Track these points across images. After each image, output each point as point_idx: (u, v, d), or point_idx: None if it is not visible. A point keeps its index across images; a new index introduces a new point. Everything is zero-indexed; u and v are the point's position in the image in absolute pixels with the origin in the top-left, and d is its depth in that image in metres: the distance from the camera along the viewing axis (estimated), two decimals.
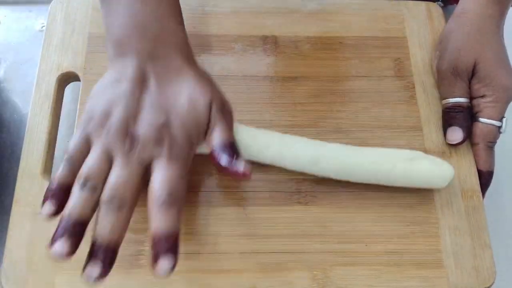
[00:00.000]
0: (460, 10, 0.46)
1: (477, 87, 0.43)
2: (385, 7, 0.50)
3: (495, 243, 0.40)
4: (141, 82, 0.37)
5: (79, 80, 0.44)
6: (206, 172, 0.41)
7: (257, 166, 0.41)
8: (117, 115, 0.35)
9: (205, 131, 0.38)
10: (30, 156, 0.41)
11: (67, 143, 0.46)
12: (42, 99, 0.43)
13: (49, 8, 0.47)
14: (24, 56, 0.51)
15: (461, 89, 0.44)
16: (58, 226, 0.32)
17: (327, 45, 0.47)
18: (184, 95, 0.37)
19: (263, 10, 0.49)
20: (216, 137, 0.37)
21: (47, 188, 0.34)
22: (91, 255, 0.32)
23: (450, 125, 0.43)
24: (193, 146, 0.37)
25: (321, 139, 0.42)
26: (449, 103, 0.44)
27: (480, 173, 0.43)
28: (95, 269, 0.32)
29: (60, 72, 0.44)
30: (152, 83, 0.37)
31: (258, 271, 0.38)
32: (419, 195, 0.41)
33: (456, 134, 0.43)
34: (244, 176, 0.36)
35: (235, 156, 0.37)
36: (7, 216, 0.39)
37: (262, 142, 0.40)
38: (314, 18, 0.49)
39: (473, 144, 0.43)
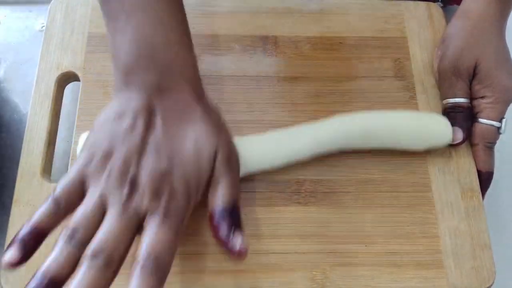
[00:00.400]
0: (462, 10, 0.46)
1: (477, 88, 0.43)
2: (385, 7, 0.50)
3: (494, 243, 0.40)
4: (146, 118, 0.34)
5: (79, 80, 0.44)
6: None
7: None
8: (119, 157, 0.33)
9: (205, 184, 0.35)
10: (30, 155, 0.41)
11: (67, 143, 0.46)
12: (41, 98, 0.43)
13: (49, 8, 0.47)
14: (24, 56, 0.51)
15: (461, 90, 0.44)
16: (31, 282, 0.29)
17: (327, 46, 0.47)
18: (190, 140, 0.34)
19: (263, 10, 0.49)
20: (218, 197, 0.34)
21: (17, 232, 0.30)
22: None
23: (451, 125, 0.43)
24: (191, 200, 0.34)
25: None
26: (450, 103, 0.44)
27: (479, 173, 0.43)
28: None
29: (60, 72, 0.44)
30: (158, 121, 0.34)
31: (258, 271, 0.38)
32: (419, 195, 0.41)
33: (456, 134, 0.43)
34: (238, 256, 0.33)
35: (233, 228, 0.34)
36: (7, 216, 0.39)
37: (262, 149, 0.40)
38: (314, 18, 0.49)
39: (472, 145, 0.43)
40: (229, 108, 0.43)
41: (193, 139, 0.34)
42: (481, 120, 0.43)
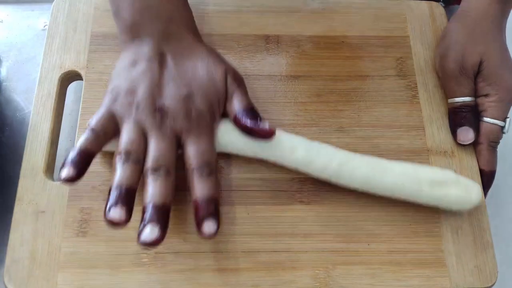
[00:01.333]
0: (462, 9, 0.46)
1: (481, 85, 0.43)
2: (388, 6, 0.50)
3: (497, 242, 0.40)
4: (159, 60, 0.39)
5: (82, 79, 0.44)
6: None
7: (259, 165, 0.41)
8: (143, 91, 0.37)
9: (224, 100, 0.40)
10: (33, 154, 0.41)
11: (70, 142, 0.46)
12: (44, 98, 0.43)
13: (52, 7, 0.47)
14: (27, 55, 0.51)
15: (468, 87, 0.43)
16: (110, 196, 0.34)
17: (330, 45, 0.47)
18: (201, 68, 0.39)
19: (266, 9, 0.49)
20: (237, 104, 0.39)
21: (67, 156, 0.35)
22: (146, 219, 0.34)
23: (461, 125, 0.43)
24: (215, 115, 0.39)
25: (323, 138, 0.42)
26: (457, 102, 0.44)
27: (482, 172, 0.43)
28: (154, 231, 0.33)
29: (62, 71, 0.44)
30: (169, 60, 0.39)
31: (261, 270, 0.38)
32: None
33: (468, 134, 0.42)
34: (270, 134, 0.38)
35: (258, 118, 0.39)
36: (10, 214, 0.39)
37: (287, 146, 0.39)
38: (316, 17, 0.49)
39: (476, 144, 0.43)
40: None
41: (205, 67, 0.40)
42: (485, 119, 0.43)
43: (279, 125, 0.42)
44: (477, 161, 0.43)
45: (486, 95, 0.43)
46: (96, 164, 0.41)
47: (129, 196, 0.34)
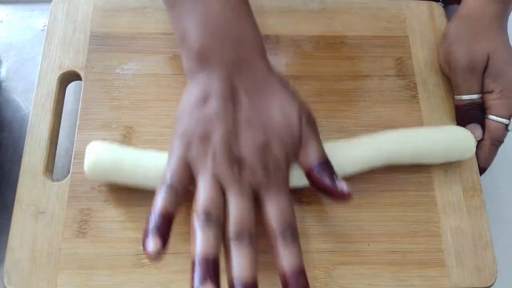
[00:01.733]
0: (464, 8, 0.46)
1: (486, 81, 0.43)
2: (387, 6, 0.50)
3: (496, 242, 0.40)
4: (231, 98, 0.35)
5: (81, 79, 0.44)
6: None
7: None
8: (218, 138, 0.34)
9: (298, 148, 0.36)
10: (32, 155, 0.41)
11: (69, 142, 0.46)
12: (44, 98, 0.43)
13: (51, 7, 0.47)
14: (26, 55, 0.51)
15: (477, 85, 0.43)
16: (197, 270, 0.30)
17: (329, 45, 0.47)
18: (277, 108, 0.36)
19: (265, 9, 0.49)
20: (312, 155, 0.36)
21: (149, 222, 0.31)
22: None
23: (469, 122, 0.43)
24: (290, 164, 0.36)
25: (323, 138, 0.42)
26: (466, 100, 0.43)
27: None
28: None
29: (61, 71, 0.44)
30: (243, 98, 0.35)
31: (261, 270, 0.38)
32: (421, 194, 0.41)
33: (476, 131, 0.42)
34: (348, 197, 0.35)
35: (335, 176, 0.35)
36: (9, 215, 0.39)
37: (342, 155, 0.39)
38: (316, 17, 0.49)
39: (479, 141, 0.43)
40: None
41: (279, 107, 0.36)
42: (490, 116, 0.43)
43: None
44: (476, 158, 0.43)
45: (490, 92, 0.43)
46: None
47: (216, 268, 0.31)
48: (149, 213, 0.32)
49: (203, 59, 0.36)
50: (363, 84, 0.46)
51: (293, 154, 0.36)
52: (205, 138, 0.34)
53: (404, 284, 0.38)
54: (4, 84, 0.50)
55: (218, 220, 0.32)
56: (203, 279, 0.30)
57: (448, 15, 0.49)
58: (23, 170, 0.41)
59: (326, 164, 0.36)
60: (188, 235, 0.39)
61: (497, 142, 0.43)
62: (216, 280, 0.30)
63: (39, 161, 0.41)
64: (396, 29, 0.49)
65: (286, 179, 0.35)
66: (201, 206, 0.32)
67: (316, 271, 0.38)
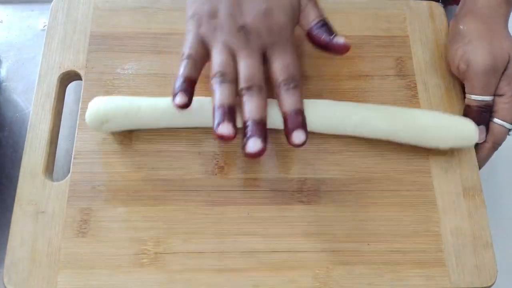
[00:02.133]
0: (472, 7, 0.45)
1: (501, 84, 0.43)
2: (387, 6, 0.50)
3: (496, 242, 0.40)
4: None
5: (81, 79, 0.44)
6: (208, 171, 0.41)
7: (259, 165, 0.41)
8: (224, 12, 0.39)
9: (299, 13, 0.41)
10: (32, 154, 0.41)
11: (69, 142, 0.46)
12: (43, 98, 0.43)
13: (51, 7, 0.47)
14: (26, 55, 0.51)
15: (494, 86, 0.43)
16: (215, 114, 0.37)
17: None
18: None
19: None
20: (311, 17, 0.41)
21: (175, 85, 0.37)
22: (248, 134, 0.37)
23: (478, 124, 0.42)
24: (294, 25, 0.41)
25: (323, 138, 0.42)
26: (479, 100, 0.43)
27: None
28: (257, 142, 0.36)
29: (61, 71, 0.44)
30: None
31: (261, 270, 0.38)
32: (421, 194, 0.41)
33: (482, 134, 0.43)
34: (346, 49, 0.39)
35: (333, 32, 0.40)
36: (10, 214, 0.39)
37: (343, 113, 0.41)
38: None
39: (480, 142, 0.43)
40: None
41: None
42: (495, 120, 0.43)
43: (280, 125, 0.42)
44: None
45: (501, 95, 0.43)
46: (96, 164, 0.41)
47: (232, 113, 0.37)
48: (174, 79, 0.38)
49: None
50: (363, 84, 0.46)
51: (294, 19, 0.40)
52: (212, 14, 0.39)
53: (404, 284, 0.38)
54: (4, 84, 0.50)
55: (232, 77, 0.38)
56: (221, 120, 0.36)
57: (448, 15, 0.49)
58: (23, 170, 0.41)
59: (323, 22, 0.40)
60: (187, 234, 0.39)
61: (497, 145, 0.43)
62: (232, 121, 0.37)
63: (39, 161, 0.41)
64: (396, 29, 0.49)
65: (291, 39, 0.40)
66: (217, 69, 0.38)
67: (316, 271, 0.38)
